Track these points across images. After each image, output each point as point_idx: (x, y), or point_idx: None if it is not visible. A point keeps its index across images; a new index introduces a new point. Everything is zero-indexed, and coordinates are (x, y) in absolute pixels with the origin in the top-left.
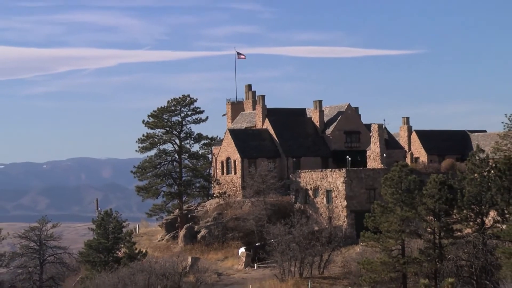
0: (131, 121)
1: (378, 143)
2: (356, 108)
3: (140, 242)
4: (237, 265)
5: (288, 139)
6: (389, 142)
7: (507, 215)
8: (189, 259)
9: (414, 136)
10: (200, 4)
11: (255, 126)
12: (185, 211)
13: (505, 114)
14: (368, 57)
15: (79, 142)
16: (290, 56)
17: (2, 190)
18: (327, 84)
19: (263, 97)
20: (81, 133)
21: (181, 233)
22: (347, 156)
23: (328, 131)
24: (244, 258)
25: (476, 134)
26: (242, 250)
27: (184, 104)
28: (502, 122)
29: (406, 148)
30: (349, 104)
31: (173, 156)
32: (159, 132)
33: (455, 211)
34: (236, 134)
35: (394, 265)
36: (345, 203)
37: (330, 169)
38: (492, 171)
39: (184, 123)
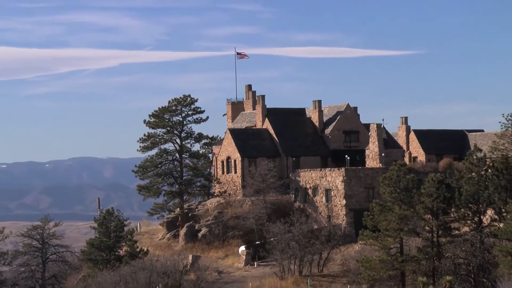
0: (132, 121)
1: (376, 142)
2: (355, 108)
3: (142, 241)
4: (237, 263)
5: (287, 139)
6: (387, 142)
7: (504, 214)
8: (190, 257)
9: (412, 135)
10: (200, 5)
11: (255, 125)
12: (186, 210)
13: (502, 114)
14: (367, 58)
15: (81, 142)
16: (289, 56)
17: (5, 189)
18: (327, 84)
19: (263, 97)
20: (83, 133)
21: (182, 231)
22: (346, 156)
23: (327, 130)
24: (244, 256)
25: (473, 133)
26: (242, 248)
27: (184, 104)
28: (500, 122)
29: (405, 147)
30: (348, 104)
31: (174, 155)
32: (160, 131)
33: (453, 209)
34: (236, 134)
35: (392, 263)
36: (344, 202)
37: (329, 168)
38: (489, 170)
39: (185, 122)
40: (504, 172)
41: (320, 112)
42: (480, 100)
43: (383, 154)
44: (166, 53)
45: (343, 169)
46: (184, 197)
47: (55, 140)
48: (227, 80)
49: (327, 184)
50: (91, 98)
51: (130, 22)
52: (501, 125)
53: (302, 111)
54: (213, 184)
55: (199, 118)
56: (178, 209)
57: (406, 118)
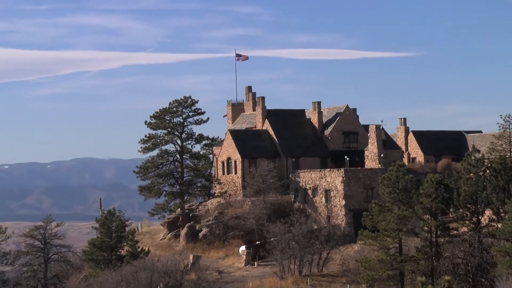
0: (134, 122)
1: (375, 143)
2: (354, 109)
3: (143, 241)
4: (237, 263)
5: (287, 140)
6: (386, 143)
7: (502, 214)
8: (191, 257)
9: (411, 136)
10: (200, 7)
11: (255, 127)
12: (187, 210)
13: (500, 115)
14: (366, 59)
15: (82, 143)
16: (289, 58)
17: (7, 189)
18: (326, 85)
19: (263, 98)
20: (85, 134)
21: (183, 231)
22: (345, 156)
23: (327, 131)
24: (244, 256)
25: (471, 134)
26: (242, 248)
27: (185, 106)
28: (497, 123)
29: (403, 148)
30: (347, 105)
31: (175, 156)
32: (161, 132)
33: (451, 210)
34: (236, 135)
35: (391, 263)
36: (343, 202)
37: (328, 169)
38: (487, 171)
39: (185, 124)
40: (502, 172)
41: (320, 113)
42: (478, 102)
43: (382, 155)
44: (167, 55)
45: (342, 169)
46: (185, 198)
47: (57, 141)
48: (228, 82)
49: (326, 184)
50: (93, 99)
51: (132, 25)
52: (499, 126)
53: (301, 112)
54: (213, 184)
55: (199, 119)
56: (179, 209)
57: (405, 119)
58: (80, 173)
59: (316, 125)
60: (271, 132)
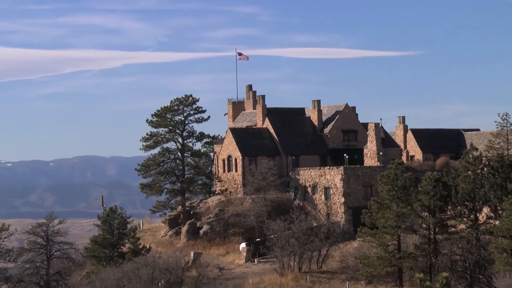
0: (135, 121)
1: (374, 141)
2: (354, 108)
3: (144, 238)
4: (238, 260)
5: (287, 138)
6: (385, 141)
7: (500, 211)
8: (192, 254)
9: (409, 135)
10: (201, 7)
11: (255, 125)
12: (188, 208)
13: (498, 114)
14: (365, 58)
15: (84, 141)
16: (289, 57)
17: (11, 187)
18: (326, 85)
19: (263, 97)
20: (87, 132)
21: (184, 229)
22: (344, 154)
23: (326, 130)
24: (245, 253)
25: (469, 132)
26: (243, 245)
27: (186, 104)
28: (495, 121)
29: (402, 146)
30: (346, 104)
31: (176, 154)
32: (162, 131)
33: (449, 207)
34: (237, 133)
35: (390, 260)
36: (342, 199)
37: (328, 167)
38: (485, 169)
39: (186, 122)
40: (500, 170)
41: (319, 111)
42: (477, 101)
43: (381, 153)
44: (168, 54)
45: (341, 167)
46: (186, 195)
47: (59, 139)
48: (228, 81)
49: (326, 182)
50: (94, 98)
51: (133, 24)
52: (497, 125)
53: (301, 111)
54: (214, 182)
55: (200, 118)
56: (180, 207)
57: (403, 117)
58: (82, 171)
59: (316, 123)
60: (271, 130)
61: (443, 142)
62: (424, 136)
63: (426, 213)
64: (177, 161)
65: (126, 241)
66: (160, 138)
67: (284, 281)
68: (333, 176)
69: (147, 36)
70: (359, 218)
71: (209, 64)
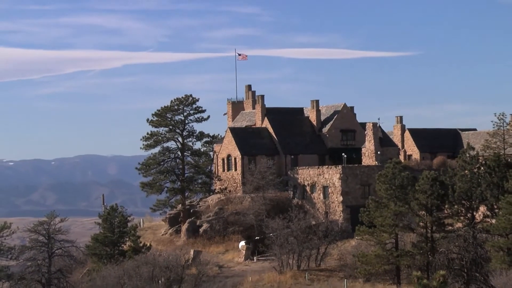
0: (136, 120)
1: (372, 141)
2: (352, 108)
3: (145, 236)
4: (237, 258)
5: (286, 137)
6: (383, 140)
7: (496, 210)
8: (192, 252)
9: (407, 134)
10: (201, 8)
11: (254, 124)
12: (188, 206)
13: (495, 113)
14: (363, 59)
15: (85, 140)
16: (289, 58)
17: (13, 186)
18: (325, 85)
19: (262, 97)
20: (88, 132)
21: (184, 227)
22: (343, 154)
23: (325, 129)
24: (244, 251)
25: (466, 132)
26: (242, 243)
27: (186, 104)
28: (492, 121)
29: (400, 146)
30: (345, 103)
31: (176, 153)
32: (162, 130)
33: (446, 206)
34: (236, 132)
35: (388, 258)
36: (341, 198)
37: (326, 166)
38: (482, 168)
39: (186, 121)
40: (496, 169)
41: (318, 111)
42: (476, 102)
43: (378, 152)
44: (168, 55)
45: (340, 166)
46: (186, 194)
47: (61, 139)
48: (227, 81)
49: (324, 181)
50: (95, 98)
51: (133, 25)
52: (493, 124)
53: (300, 111)
54: (214, 181)
55: (200, 117)
56: (180, 205)
57: (401, 117)
58: (83, 170)
59: (315, 123)
60: (270, 130)
61: (440, 141)
62: (421, 136)
63: (423, 212)
64: (177, 160)
65: (127, 239)
66: (160, 138)
67: (283, 279)
68: (332, 175)
69: (147, 36)
70: (357, 216)
71: (209, 64)
